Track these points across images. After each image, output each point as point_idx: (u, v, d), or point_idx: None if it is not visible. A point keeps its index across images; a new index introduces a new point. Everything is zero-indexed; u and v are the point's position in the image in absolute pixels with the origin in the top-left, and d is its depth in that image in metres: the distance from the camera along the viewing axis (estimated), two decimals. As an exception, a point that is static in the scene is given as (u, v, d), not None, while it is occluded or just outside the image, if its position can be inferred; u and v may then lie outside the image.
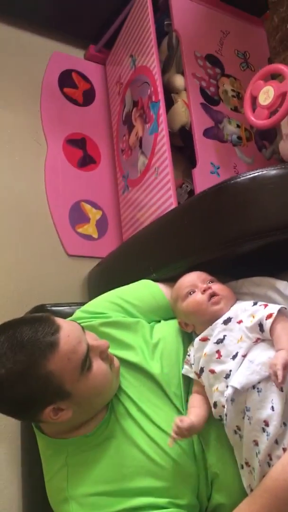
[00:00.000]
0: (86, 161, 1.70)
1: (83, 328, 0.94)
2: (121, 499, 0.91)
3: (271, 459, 0.83)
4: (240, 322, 0.92)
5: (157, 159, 1.40)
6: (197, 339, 0.97)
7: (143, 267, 1.20)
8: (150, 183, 1.44)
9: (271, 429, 0.82)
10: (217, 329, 0.94)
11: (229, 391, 0.86)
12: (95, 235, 1.64)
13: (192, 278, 1.02)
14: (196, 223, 1.03)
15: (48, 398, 0.88)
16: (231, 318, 0.94)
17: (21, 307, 1.45)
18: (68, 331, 0.88)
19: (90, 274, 1.55)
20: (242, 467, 0.90)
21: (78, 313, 1.11)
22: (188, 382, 1.02)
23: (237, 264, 1.05)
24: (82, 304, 1.32)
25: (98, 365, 0.92)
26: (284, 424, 0.83)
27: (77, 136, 1.71)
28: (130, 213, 1.59)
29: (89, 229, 1.64)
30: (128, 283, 1.21)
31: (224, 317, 0.94)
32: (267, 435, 0.83)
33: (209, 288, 0.98)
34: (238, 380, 0.86)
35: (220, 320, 0.94)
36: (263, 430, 0.83)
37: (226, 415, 0.88)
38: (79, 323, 0.95)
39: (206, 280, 1.01)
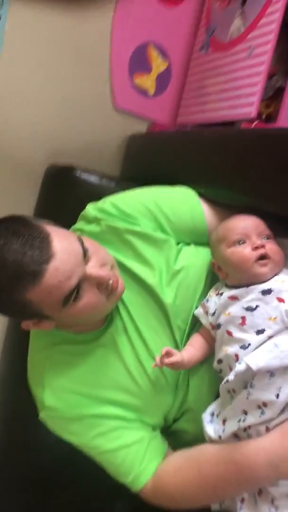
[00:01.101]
0: (171, -8, 1.36)
1: (85, 252, 0.82)
2: (93, 404, 0.94)
3: (249, 428, 0.83)
4: (281, 300, 0.82)
5: (258, 36, 1.10)
6: (225, 295, 0.88)
7: (196, 174, 1.04)
8: (236, 60, 1.17)
9: (268, 412, 0.81)
10: (251, 295, 0.85)
11: (242, 367, 0.82)
12: (151, 91, 1.40)
13: (248, 225, 0.89)
14: (274, 168, 0.85)
15: (26, 317, 0.85)
16: (272, 290, 0.83)
17: (47, 154, 1.32)
18: (59, 263, 0.77)
19: (131, 139, 1.37)
20: (214, 416, 0.91)
21: (107, 204, 0.99)
22: (195, 320, 0.97)
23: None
24: (114, 179, 1.20)
25: (89, 297, 0.84)
26: (282, 411, 0.80)
27: None
28: (198, 80, 1.32)
29: (148, 82, 1.39)
30: (171, 181, 1.06)
31: (265, 286, 0.84)
32: (261, 414, 0.81)
33: (262, 246, 0.85)
34: (256, 360, 0.80)
35: (259, 288, 0.84)
36: (259, 407, 0.82)
37: (227, 381, 0.85)
38: (81, 249, 0.82)
39: (262, 235, 0.88)
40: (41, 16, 1.26)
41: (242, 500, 0.86)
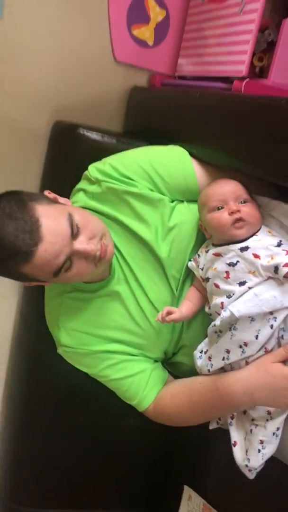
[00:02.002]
0: None
1: (75, 231, 0.92)
2: (101, 342, 1.10)
3: (233, 363, 0.99)
4: (256, 256, 0.93)
5: (249, -9, 1.12)
6: (210, 252, 1.00)
7: (189, 133, 1.11)
8: (229, 14, 1.18)
9: (248, 349, 0.95)
10: (232, 253, 0.96)
11: (226, 314, 0.95)
12: (151, 42, 1.42)
13: (226, 192, 0.98)
14: (258, 134, 0.92)
15: (24, 281, 0.99)
16: (249, 248, 0.94)
17: (51, 112, 1.39)
18: (47, 245, 0.88)
19: (132, 92, 1.42)
20: (202, 352, 1.05)
21: (107, 166, 1.09)
22: (189, 270, 1.09)
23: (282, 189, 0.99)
24: (117, 135, 1.28)
25: (79, 267, 0.95)
26: (260, 348, 0.95)
27: None
28: (196, 30, 1.35)
29: (146, 33, 1.41)
30: (168, 136, 1.15)
31: (243, 244, 0.95)
32: (242, 352, 0.96)
33: (238, 211, 0.95)
34: (238, 308, 0.93)
35: (238, 246, 0.96)
36: (240, 347, 0.96)
37: (214, 325, 0.99)
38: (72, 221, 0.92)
39: (239, 199, 0.97)
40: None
41: (232, 417, 1.03)
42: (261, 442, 0.96)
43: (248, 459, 0.98)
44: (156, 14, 1.41)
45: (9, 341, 1.58)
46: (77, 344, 1.10)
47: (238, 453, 1.00)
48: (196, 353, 1.06)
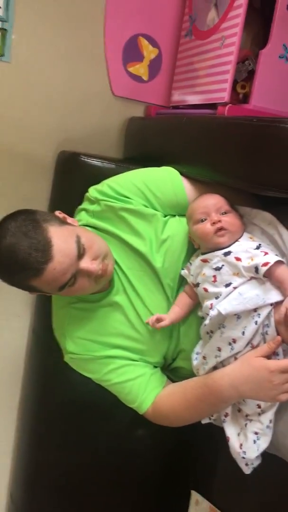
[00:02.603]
0: (156, -15, 1.50)
1: (81, 251, 1.02)
2: (104, 348, 1.19)
3: (224, 361, 1.07)
4: (238, 259, 1.03)
5: (227, 27, 1.25)
6: (198, 259, 1.10)
7: (178, 155, 1.23)
8: (212, 49, 1.32)
9: (236, 346, 1.03)
10: (216, 258, 1.06)
11: (214, 312, 1.04)
12: (145, 77, 1.56)
13: (208, 205, 1.09)
14: (235, 149, 1.03)
15: (31, 291, 1.08)
16: (231, 252, 1.04)
17: (57, 143, 1.53)
18: (56, 264, 0.98)
19: (130, 122, 1.55)
20: (198, 354, 1.14)
21: (105, 187, 1.20)
22: (182, 279, 1.19)
23: (261, 198, 1.09)
24: (116, 161, 1.41)
25: (81, 283, 1.06)
26: (247, 344, 1.03)
27: None
28: (186, 64, 1.48)
29: (141, 69, 1.55)
30: (160, 158, 1.27)
31: (226, 250, 1.05)
32: (231, 349, 1.04)
33: (219, 221, 1.05)
34: (224, 306, 1.02)
35: (221, 251, 1.05)
36: (229, 344, 1.04)
37: (205, 324, 1.08)
38: (77, 247, 1.02)
39: (220, 210, 1.07)
40: (44, 26, 1.44)
41: (226, 415, 1.10)
42: (256, 433, 1.03)
43: (244, 452, 1.04)
44: (149, 52, 1.55)
45: (23, 357, 1.68)
46: (82, 351, 1.19)
47: (233, 445, 1.06)
48: (193, 355, 1.15)
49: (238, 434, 1.07)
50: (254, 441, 1.04)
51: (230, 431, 1.08)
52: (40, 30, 1.44)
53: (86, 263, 1.04)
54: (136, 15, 1.51)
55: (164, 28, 1.55)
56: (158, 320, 1.13)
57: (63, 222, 1.08)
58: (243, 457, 1.05)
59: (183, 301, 1.16)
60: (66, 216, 1.15)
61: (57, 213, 1.14)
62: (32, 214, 1.03)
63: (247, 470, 1.07)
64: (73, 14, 1.46)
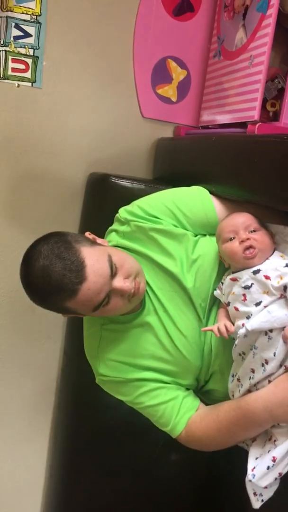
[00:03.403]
0: (184, 8, 1.51)
1: (113, 271, 1.02)
2: (135, 370, 1.17)
3: (258, 383, 1.03)
4: (267, 278, 1.00)
5: (256, 46, 1.25)
6: (228, 278, 1.08)
7: (208, 174, 1.22)
8: (241, 68, 1.32)
9: (269, 367, 1.00)
10: (245, 276, 1.04)
11: (242, 330, 1.02)
12: (174, 98, 1.58)
13: (236, 223, 1.07)
14: (266, 168, 1.01)
15: (65, 313, 1.08)
16: (260, 270, 1.02)
17: (87, 165, 1.55)
18: (90, 284, 0.98)
19: (159, 143, 1.56)
20: (233, 376, 1.11)
21: (135, 207, 1.20)
22: (214, 298, 1.16)
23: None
24: (145, 181, 1.41)
25: (115, 302, 1.05)
26: (280, 365, 1.00)
27: (179, -26, 1.49)
28: (215, 84, 1.49)
29: (170, 91, 1.57)
30: (190, 178, 1.27)
31: (255, 268, 1.03)
32: (263, 370, 1.01)
33: (248, 239, 1.03)
34: (252, 323, 1.00)
35: (251, 270, 1.03)
36: (262, 365, 1.01)
37: (236, 345, 1.05)
38: (110, 268, 1.01)
39: (249, 228, 1.06)
40: (74, 52, 1.48)
41: (254, 439, 1.06)
42: (273, 460, 0.98)
43: (254, 475, 0.99)
44: (177, 74, 1.57)
45: (55, 379, 1.68)
46: (113, 373, 1.18)
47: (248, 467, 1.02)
48: (230, 378, 1.12)
49: (256, 458, 1.03)
50: (268, 467, 0.98)
51: (251, 453, 1.04)
52: (70, 56, 1.48)
53: (119, 282, 1.03)
54: (164, 38, 1.54)
55: (193, 50, 1.57)
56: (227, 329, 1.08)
57: (93, 242, 1.08)
58: (250, 480, 0.99)
59: (225, 314, 1.13)
60: (95, 237, 1.15)
61: (87, 234, 1.14)
62: (64, 236, 1.04)
63: (256, 503, 1.01)
64: (102, 39, 1.50)
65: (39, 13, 1.41)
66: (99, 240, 1.14)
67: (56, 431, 1.68)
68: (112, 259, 1.04)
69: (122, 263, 1.06)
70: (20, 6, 1.39)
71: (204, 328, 1.13)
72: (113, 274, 1.03)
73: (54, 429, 1.70)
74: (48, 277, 0.97)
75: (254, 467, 1.00)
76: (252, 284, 1.02)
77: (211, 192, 1.20)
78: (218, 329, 1.06)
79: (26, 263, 1.02)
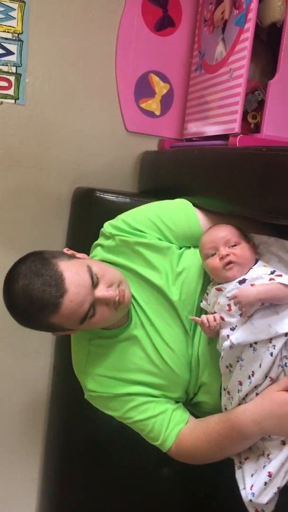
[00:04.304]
0: (165, 23, 1.53)
1: (95, 281, 1.01)
2: (124, 385, 1.16)
3: (247, 396, 1.04)
4: (253, 286, 1.01)
5: (235, 60, 1.26)
6: (214, 288, 1.08)
7: (190, 185, 1.23)
8: (221, 82, 1.33)
9: (254, 378, 1.00)
10: (231, 286, 1.04)
11: (227, 343, 1.02)
12: (158, 112, 1.59)
13: (216, 239, 1.08)
14: (246, 179, 1.02)
15: (53, 331, 1.08)
16: (246, 280, 1.02)
17: (72, 180, 1.56)
18: (72, 296, 0.98)
19: (144, 156, 1.57)
20: (224, 390, 1.11)
21: (120, 221, 1.20)
22: (200, 310, 1.17)
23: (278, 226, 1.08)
24: (131, 195, 1.42)
25: (101, 313, 1.04)
26: (266, 376, 1.00)
27: (159, -11, 1.51)
28: (197, 97, 1.50)
29: (153, 104, 1.58)
30: (174, 190, 1.28)
31: (240, 277, 1.03)
32: (249, 382, 1.01)
33: (228, 255, 1.04)
34: (236, 336, 1.00)
35: (236, 279, 1.03)
36: (249, 377, 1.01)
37: (222, 357, 1.05)
38: (91, 280, 1.01)
39: (229, 243, 1.06)
40: (56, 67, 1.50)
41: (246, 458, 1.05)
42: (269, 475, 0.97)
43: (253, 493, 0.98)
44: (160, 88, 1.58)
45: (47, 394, 1.67)
46: (102, 389, 1.17)
47: (245, 486, 1.01)
48: (222, 391, 1.12)
49: (252, 475, 1.02)
50: (265, 483, 0.97)
51: (246, 471, 1.03)
52: (52, 72, 1.49)
53: (102, 291, 1.03)
54: (146, 53, 1.55)
55: (174, 64, 1.58)
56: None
57: (71, 257, 1.08)
58: (251, 500, 0.98)
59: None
60: (74, 252, 1.15)
61: (65, 250, 1.14)
62: (40, 254, 1.04)
63: None
64: (84, 55, 1.51)
65: (21, 31, 1.42)
66: (78, 255, 1.14)
67: (48, 446, 1.66)
68: (92, 269, 1.04)
69: (103, 272, 1.06)
70: (2, 24, 1.40)
71: (192, 317, 1.12)
72: (94, 284, 1.02)
73: (45, 444, 1.68)
74: (28, 296, 0.97)
75: (252, 485, 0.99)
76: None
77: (194, 205, 1.21)
78: (207, 319, 1.06)
79: (7, 286, 1.02)
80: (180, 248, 1.20)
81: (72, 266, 1.02)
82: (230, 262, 1.04)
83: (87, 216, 1.43)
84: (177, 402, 1.20)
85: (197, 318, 1.10)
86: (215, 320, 1.05)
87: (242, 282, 1.02)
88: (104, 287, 1.04)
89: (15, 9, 1.41)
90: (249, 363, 1.01)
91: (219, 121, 1.35)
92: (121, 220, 1.21)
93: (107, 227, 1.23)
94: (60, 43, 1.48)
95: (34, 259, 1.02)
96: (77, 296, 0.99)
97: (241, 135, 1.24)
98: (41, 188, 1.53)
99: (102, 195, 1.39)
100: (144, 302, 1.17)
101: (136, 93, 1.56)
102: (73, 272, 1.00)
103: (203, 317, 1.07)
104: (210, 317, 1.06)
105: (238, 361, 1.03)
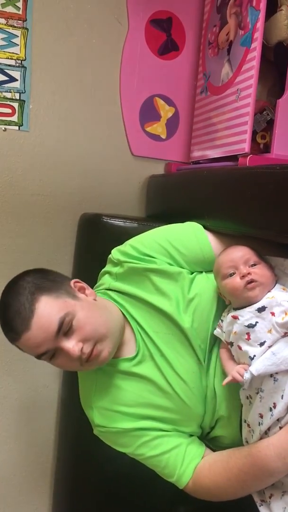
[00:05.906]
0: (168, 47, 1.52)
1: (64, 330, 0.98)
2: (132, 420, 1.10)
3: (269, 430, 0.97)
4: (273, 314, 0.95)
5: (242, 80, 1.24)
6: (229, 315, 1.02)
7: (200, 208, 1.19)
8: (228, 102, 1.31)
9: (276, 411, 0.94)
10: (249, 314, 0.98)
11: (247, 376, 0.96)
12: (164, 136, 1.57)
13: (235, 258, 1.02)
14: (260, 199, 0.98)
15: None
16: (266, 307, 0.97)
17: (78, 205, 1.53)
18: (30, 335, 0.97)
19: (151, 179, 1.54)
20: (245, 422, 1.04)
21: (128, 247, 1.16)
22: (214, 338, 1.11)
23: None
24: (138, 219, 1.38)
25: (62, 360, 1.02)
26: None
27: (163, 15, 1.50)
28: (203, 120, 1.48)
29: (159, 128, 1.56)
30: (183, 214, 1.23)
31: (259, 305, 0.97)
32: (271, 415, 0.95)
33: (249, 273, 0.99)
34: (257, 367, 0.94)
35: (255, 307, 0.98)
36: (270, 409, 0.95)
37: (243, 389, 0.99)
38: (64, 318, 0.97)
39: (248, 262, 1.01)
40: (60, 93, 1.48)
41: (271, 496, 0.99)
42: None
43: None
44: (165, 111, 1.57)
45: (54, 429, 1.60)
46: (110, 423, 1.11)
47: None
48: (243, 424, 1.05)
49: (284, 509, 0.96)
50: None
51: (275, 510, 0.96)
52: (56, 98, 1.48)
53: (67, 344, 0.98)
54: (150, 77, 1.54)
55: (179, 87, 1.57)
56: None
57: (69, 293, 1.03)
58: None
59: (228, 356, 1.07)
60: (84, 286, 1.10)
61: (73, 281, 1.09)
62: (41, 278, 1.03)
63: None
64: (88, 81, 1.50)
65: (24, 57, 1.41)
66: (87, 291, 1.09)
67: (58, 484, 1.58)
68: (75, 317, 0.99)
69: (84, 325, 1.00)
70: (5, 51, 1.40)
71: (225, 382, 1.02)
72: (64, 332, 0.98)
73: (55, 481, 1.60)
74: (3, 313, 1.01)
75: None
76: (256, 322, 0.96)
77: (205, 227, 1.17)
78: (238, 373, 0.99)
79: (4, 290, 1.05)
80: (192, 273, 1.15)
81: (51, 307, 0.98)
82: (252, 281, 0.98)
83: (94, 242, 1.39)
84: (190, 435, 1.13)
85: (229, 379, 1.01)
86: (244, 369, 0.99)
87: (261, 310, 0.97)
88: (76, 340, 0.99)
89: (18, 36, 1.40)
90: (270, 395, 0.94)
91: (227, 142, 1.32)
92: (129, 245, 1.17)
93: (115, 253, 1.18)
94: (64, 69, 1.47)
95: (31, 281, 1.02)
96: (35, 338, 0.98)
97: (251, 155, 1.21)
98: (46, 214, 1.50)
99: (109, 220, 1.36)
100: (153, 332, 1.11)
101: (141, 117, 1.54)
102: (45, 313, 0.97)
103: (233, 373, 0.99)
104: (241, 370, 0.99)
105: (257, 393, 0.97)
